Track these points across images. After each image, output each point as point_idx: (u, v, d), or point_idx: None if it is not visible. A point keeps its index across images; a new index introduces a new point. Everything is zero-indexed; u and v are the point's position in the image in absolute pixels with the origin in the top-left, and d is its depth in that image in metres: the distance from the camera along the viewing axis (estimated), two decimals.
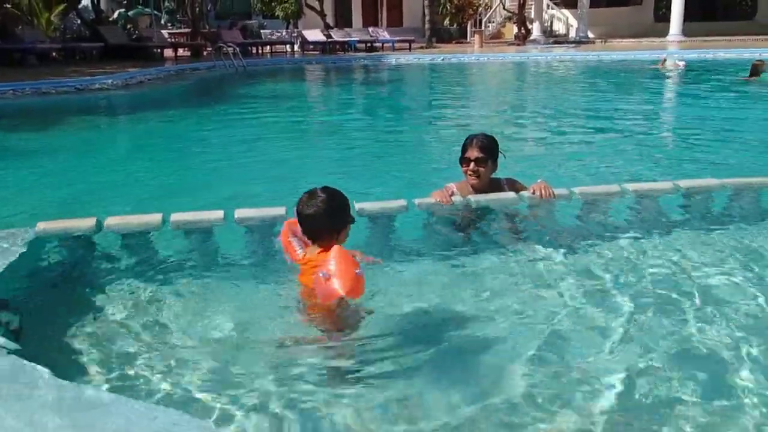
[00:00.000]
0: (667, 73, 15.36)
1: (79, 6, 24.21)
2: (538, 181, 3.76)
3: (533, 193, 3.68)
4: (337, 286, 2.31)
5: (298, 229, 2.73)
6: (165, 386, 2.31)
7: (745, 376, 2.29)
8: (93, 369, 2.44)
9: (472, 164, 3.74)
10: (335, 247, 2.45)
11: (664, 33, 27.27)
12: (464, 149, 3.79)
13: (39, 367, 1.99)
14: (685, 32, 26.42)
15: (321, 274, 2.32)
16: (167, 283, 3.15)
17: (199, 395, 2.26)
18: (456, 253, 3.51)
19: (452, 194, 3.74)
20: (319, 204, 2.58)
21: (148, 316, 2.84)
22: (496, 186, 3.85)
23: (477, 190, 3.80)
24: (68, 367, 2.39)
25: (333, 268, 2.34)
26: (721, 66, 16.07)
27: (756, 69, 11.60)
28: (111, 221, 3.33)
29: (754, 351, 2.44)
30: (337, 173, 5.79)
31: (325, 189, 2.65)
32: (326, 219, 2.58)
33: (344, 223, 2.66)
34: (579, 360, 2.44)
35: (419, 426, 2.09)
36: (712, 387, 2.25)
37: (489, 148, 3.76)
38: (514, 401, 2.19)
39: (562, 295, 2.97)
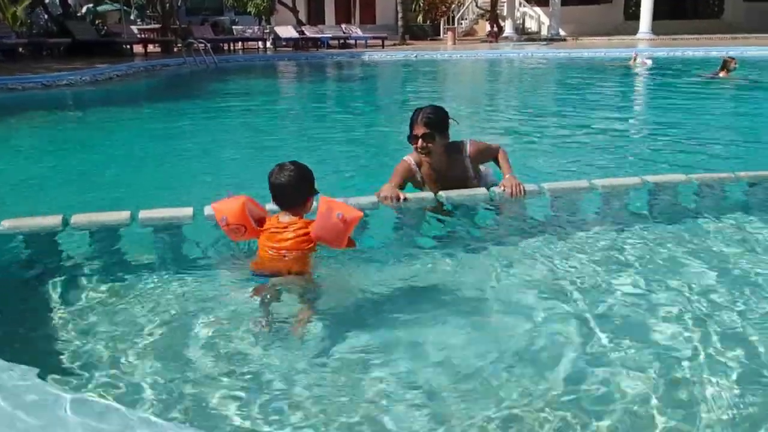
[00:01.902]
0: (636, 71, 15.55)
1: (47, 1, 23.79)
2: (508, 176, 3.76)
3: (503, 189, 3.68)
4: (353, 211, 2.82)
5: (254, 208, 3.01)
6: (133, 384, 2.28)
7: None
8: (59, 367, 2.40)
9: (420, 141, 3.66)
10: (328, 199, 2.85)
11: (634, 31, 27.65)
12: (411, 126, 3.70)
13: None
14: (655, 30, 26.81)
15: (337, 215, 2.76)
16: (135, 280, 3.12)
17: (170, 394, 2.23)
18: (428, 245, 3.52)
19: (410, 170, 3.77)
20: (289, 174, 2.94)
21: (117, 314, 2.80)
22: (454, 150, 3.80)
23: (433, 162, 3.76)
24: (34, 366, 2.35)
25: (341, 207, 2.80)
26: (690, 63, 16.32)
27: (726, 65, 11.83)
28: (77, 218, 3.28)
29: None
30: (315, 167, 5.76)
31: (292, 162, 3.02)
32: (295, 186, 2.94)
33: (310, 192, 3.02)
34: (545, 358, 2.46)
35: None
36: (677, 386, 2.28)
37: (435, 122, 3.66)
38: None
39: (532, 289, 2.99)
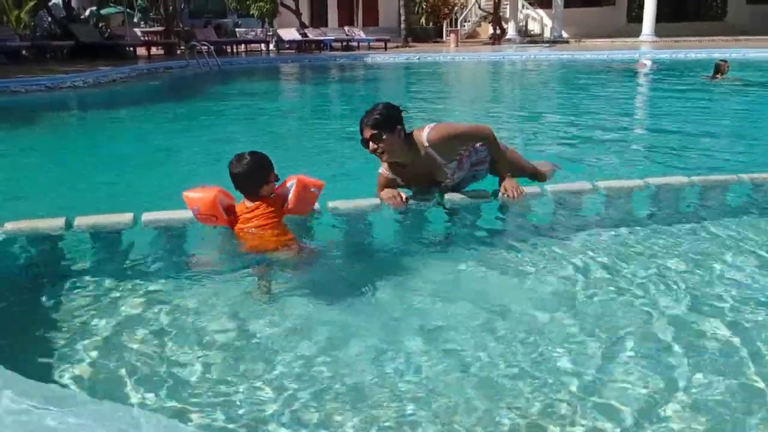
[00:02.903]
0: (638, 72, 15.56)
1: (50, 3, 23.85)
2: (506, 179, 3.72)
3: (504, 192, 3.68)
4: (319, 181, 3.34)
5: (224, 198, 3.28)
6: (137, 384, 2.29)
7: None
8: (62, 368, 2.41)
9: (370, 145, 3.50)
10: (300, 177, 3.26)
11: (637, 33, 27.61)
12: (360, 130, 3.54)
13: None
14: (657, 32, 26.77)
15: (313, 189, 3.28)
16: (139, 282, 3.12)
17: (173, 395, 2.24)
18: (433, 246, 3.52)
19: (386, 179, 3.67)
20: (244, 164, 3.23)
21: (120, 315, 2.81)
22: (414, 142, 3.59)
23: (400, 161, 3.60)
24: (37, 367, 2.36)
25: (311, 182, 3.29)
26: (692, 65, 16.30)
27: (719, 68, 11.83)
28: (81, 221, 3.29)
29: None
30: (310, 169, 5.76)
31: (250, 152, 3.29)
32: (249, 175, 3.24)
33: (268, 178, 3.27)
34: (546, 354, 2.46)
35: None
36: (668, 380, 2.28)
37: (381, 122, 3.46)
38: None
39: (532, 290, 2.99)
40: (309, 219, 3.56)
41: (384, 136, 3.46)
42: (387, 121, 3.47)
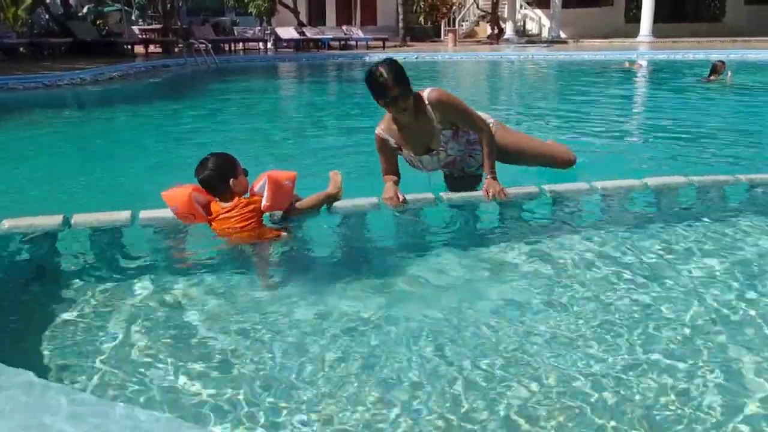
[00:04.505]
0: (634, 73, 15.59)
1: (48, 1, 23.81)
2: (488, 179, 3.69)
3: (486, 194, 3.64)
4: (291, 172, 3.38)
5: (200, 196, 3.33)
6: (139, 383, 2.29)
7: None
8: (60, 367, 2.40)
9: (400, 103, 3.49)
10: (271, 173, 3.28)
11: (635, 34, 27.66)
12: (380, 90, 3.49)
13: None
14: (655, 33, 26.82)
15: (286, 183, 3.30)
16: (137, 279, 3.12)
17: (179, 393, 2.24)
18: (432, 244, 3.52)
19: (383, 142, 3.74)
20: (206, 168, 3.30)
21: (117, 313, 2.80)
22: (418, 101, 3.61)
23: (405, 121, 3.64)
24: (39, 366, 2.36)
25: (283, 175, 3.32)
26: (690, 66, 16.33)
27: (715, 68, 11.85)
28: (78, 218, 3.28)
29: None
30: (311, 168, 5.77)
31: (211, 154, 3.36)
32: (213, 178, 3.29)
33: (234, 175, 3.32)
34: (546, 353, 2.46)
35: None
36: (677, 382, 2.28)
37: (404, 78, 3.47)
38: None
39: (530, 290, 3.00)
40: (309, 216, 3.56)
41: (410, 92, 3.50)
42: (406, 77, 3.50)
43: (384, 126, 3.76)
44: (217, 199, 3.35)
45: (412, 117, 3.62)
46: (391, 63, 3.52)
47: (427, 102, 3.63)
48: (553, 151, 4.25)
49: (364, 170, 5.17)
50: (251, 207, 3.30)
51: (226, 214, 3.30)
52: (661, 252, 3.39)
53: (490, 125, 3.85)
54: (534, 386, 2.25)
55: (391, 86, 3.45)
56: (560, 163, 4.22)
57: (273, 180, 3.26)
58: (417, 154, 3.81)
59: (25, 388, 1.70)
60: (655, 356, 2.42)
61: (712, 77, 11.84)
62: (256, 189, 3.33)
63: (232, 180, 3.31)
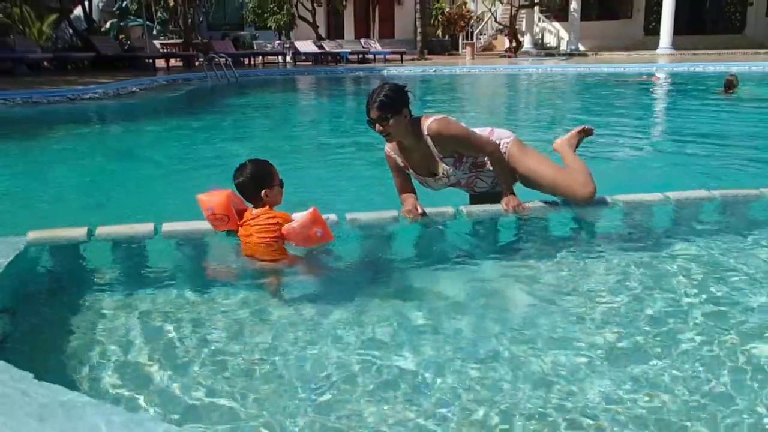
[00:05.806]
0: (653, 85, 15.52)
1: (71, 16, 24.22)
2: (506, 197, 3.65)
3: (505, 209, 3.62)
4: (330, 234, 3.26)
5: (237, 201, 3.38)
6: (158, 393, 2.30)
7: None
8: (81, 374, 2.43)
9: (376, 126, 3.44)
10: (316, 213, 3.19)
11: (654, 46, 27.54)
12: (365, 108, 3.45)
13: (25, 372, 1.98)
14: (675, 45, 26.68)
15: (317, 232, 3.19)
16: (159, 291, 3.14)
17: (196, 403, 2.25)
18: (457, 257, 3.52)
19: (391, 159, 3.70)
20: (243, 173, 3.34)
21: (139, 325, 2.83)
22: (417, 127, 3.53)
23: (402, 144, 3.60)
24: (60, 375, 2.38)
25: (322, 225, 3.21)
26: (710, 78, 16.23)
27: (729, 83, 11.71)
28: (102, 230, 3.32)
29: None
30: (331, 182, 5.80)
31: (250, 160, 3.40)
32: (249, 184, 3.33)
33: (269, 184, 3.34)
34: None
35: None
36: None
37: (388, 104, 3.38)
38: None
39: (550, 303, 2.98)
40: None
41: (390, 119, 3.40)
42: (393, 103, 3.40)
43: (391, 144, 3.67)
44: (251, 205, 3.39)
45: (412, 140, 3.56)
46: (388, 87, 3.45)
47: (426, 134, 3.53)
48: (570, 181, 3.73)
49: (377, 181, 5.19)
50: (275, 220, 3.25)
51: (252, 221, 3.31)
52: (688, 266, 3.36)
53: (506, 143, 3.71)
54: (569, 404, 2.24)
55: (371, 108, 3.41)
56: (575, 197, 3.70)
57: (312, 216, 3.17)
58: (422, 176, 3.76)
59: (66, 407, 1.71)
60: (700, 374, 2.41)
61: (729, 91, 11.71)
62: (294, 215, 3.27)
63: (265, 190, 3.32)
